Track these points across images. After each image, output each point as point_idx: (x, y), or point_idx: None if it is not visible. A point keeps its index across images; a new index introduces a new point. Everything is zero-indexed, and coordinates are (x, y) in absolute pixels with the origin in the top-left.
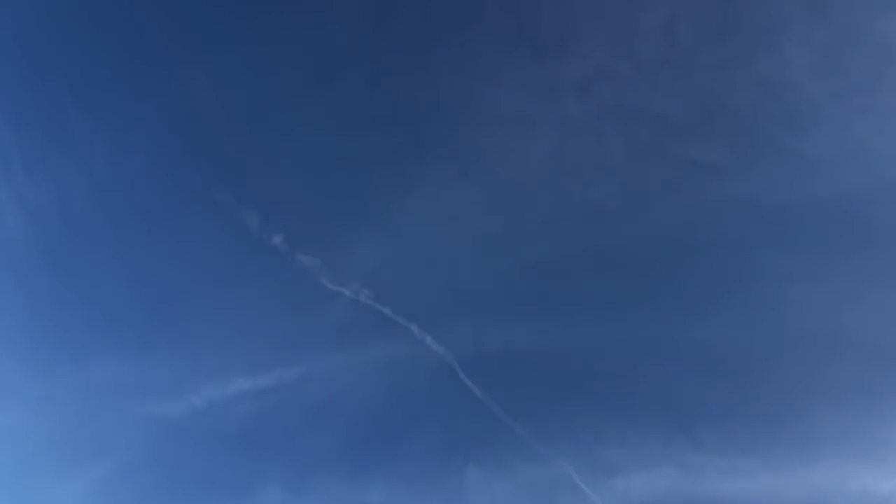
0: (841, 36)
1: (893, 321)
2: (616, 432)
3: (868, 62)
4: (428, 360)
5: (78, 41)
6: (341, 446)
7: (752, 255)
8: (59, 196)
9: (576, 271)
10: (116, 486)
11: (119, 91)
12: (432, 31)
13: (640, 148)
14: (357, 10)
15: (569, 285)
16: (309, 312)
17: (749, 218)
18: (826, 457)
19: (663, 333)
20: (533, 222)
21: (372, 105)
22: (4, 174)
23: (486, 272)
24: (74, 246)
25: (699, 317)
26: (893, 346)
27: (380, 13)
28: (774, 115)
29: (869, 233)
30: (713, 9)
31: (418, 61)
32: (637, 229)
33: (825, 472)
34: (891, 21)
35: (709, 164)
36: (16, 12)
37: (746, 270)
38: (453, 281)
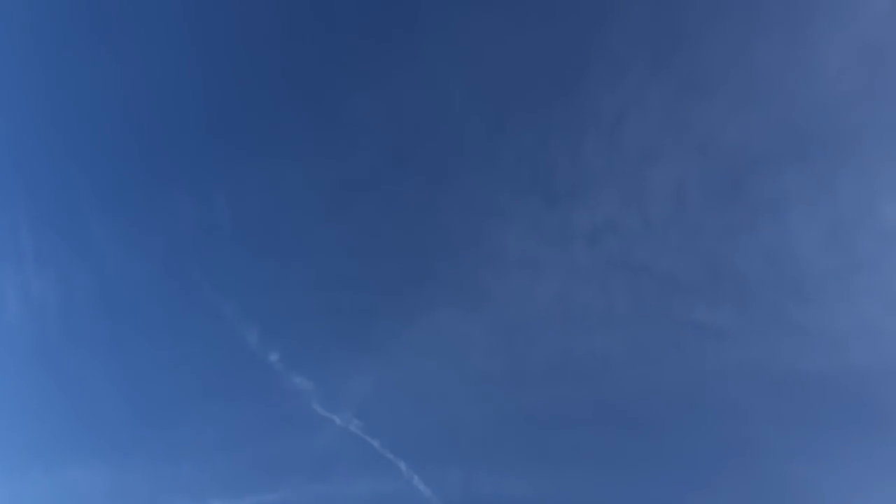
0: (847, 214)
1: None
2: None
3: (873, 242)
4: (413, 501)
5: (107, 146)
6: None
7: (753, 424)
8: (64, 290)
9: (573, 423)
10: None
11: (138, 197)
12: (450, 169)
13: (645, 304)
14: (378, 142)
15: (565, 436)
16: (296, 436)
17: (751, 386)
18: None
19: (659, 492)
20: (533, 368)
21: (383, 234)
22: (14, 261)
23: (481, 414)
24: (70, 342)
25: (695, 484)
26: None
27: (400, 147)
28: (780, 284)
29: (872, 411)
30: (723, 174)
31: (433, 196)
32: (637, 386)
33: None
34: (891, 201)
35: (713, 327)
36: (48, 106)
37: (746, 440)
38: (447, 420)
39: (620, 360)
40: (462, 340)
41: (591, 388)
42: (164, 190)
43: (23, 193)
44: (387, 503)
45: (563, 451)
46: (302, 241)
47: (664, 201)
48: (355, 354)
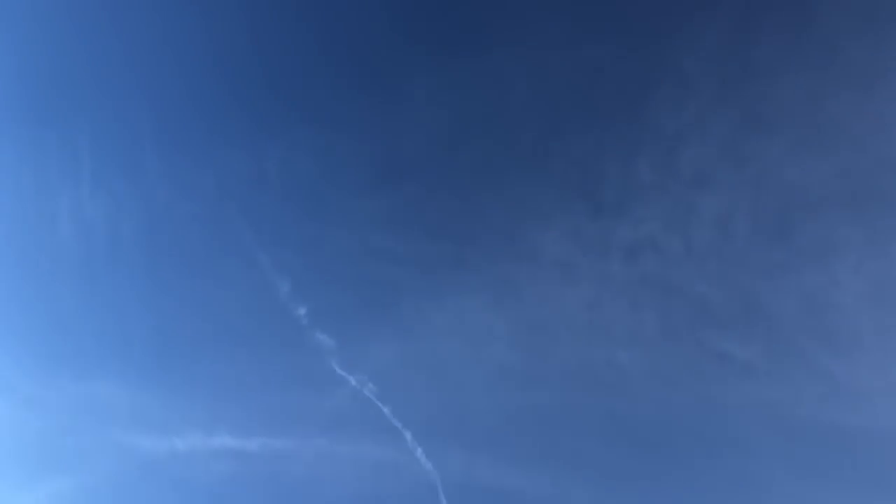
0: (894, 272)
1: None
2: None
3: None
4: (413, 471)
5: (174, 89)
6: None
7: (761, 464)
8: (113, 218)
9: (582, 429)
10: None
11: (195, 142)
12: (500, 164)
13: (674, 327)
14: (435, 126)
15: (573, 441)
16: (310, 390)
17: (767, 426)
18: None
19: None
20: (551, 369)
21: (425, 215)
22: (72, 184)
23: (493, 405)
24: (113, 266)
25: None
26: None
27: (455, 134)
28: (814, 330)
29: (888, 472)
30: (774, 212)
31: (479, 188)
32: (653, 406)
33: None
34: None
35: (739, 361)
36: (122, 42)
37: (751, 479)
38: (460, 402)
39: (640, 377)
40: (486, 330)
41: (606, 400)
42: (220, 139)
43: (88, 122)
44: (388, 468)
45: (566, 455)
46: (345, 209)
47: (709, 229)
48: (380, 324)
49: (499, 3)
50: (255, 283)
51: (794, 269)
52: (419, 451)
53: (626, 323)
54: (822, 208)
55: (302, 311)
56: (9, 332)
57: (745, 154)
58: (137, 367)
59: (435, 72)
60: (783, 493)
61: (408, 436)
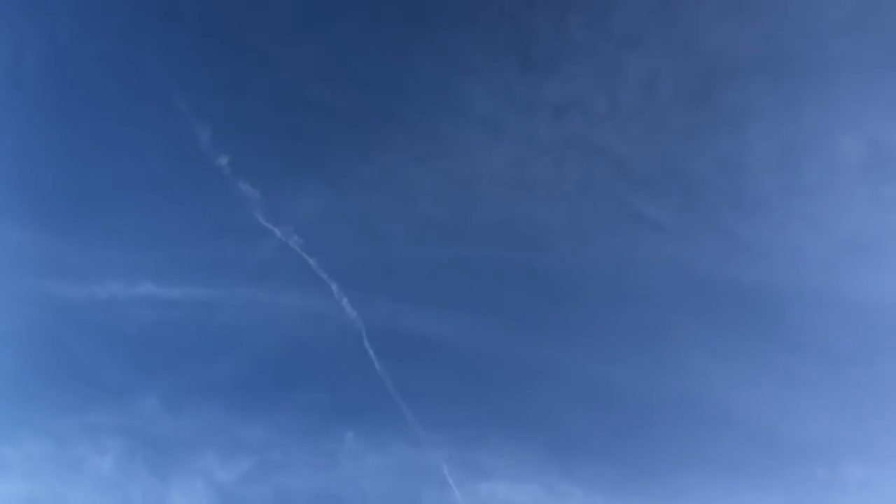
0: (805, 139)
1: (773, 412)
2: (495, 440)
3: (822, 171)
4: (339, 320)
5: None
6: (229, 379)
7: (664, 314)
8: (15, 52)
9: (503, 281)
10: None
11: None
12: (429, 17)
13: (593, 185)
14: None
15: (493, 292)
16: (234, 241)
17: (673, 279)
18: None
19: (567, 361)
20: (475, 223)
21: (354, 65)
22: None
23: (418, 255)
24: (17, 107)
25: (606, 357)
26: (773, 429)
27: None
28: (724, 192)
29: (778, 326)
30: (697, 76)
31: (409, 40)
32: (569, 260)
33: None
34: (848, 137)
35: (652, 219)
36: None
37: (654, 326)
38: (385, 254)
39: (559, 232)
40: (412, 184)
41: (526, 253)
42: None
43: None
44: (314, 318)
45: (486, 305)
46: (270, 54)
47: (635, 90)
48: (305, 176)
49: None
50: (173, 128)
51: (711, 133)
52: (345, 301)
53: (547, 180)
54: (742, 73)
55: (224, 160)
56: None
57: (674, 17)
58: (50, 216)
59: None
60: (683, 341)
61: (334, 287)
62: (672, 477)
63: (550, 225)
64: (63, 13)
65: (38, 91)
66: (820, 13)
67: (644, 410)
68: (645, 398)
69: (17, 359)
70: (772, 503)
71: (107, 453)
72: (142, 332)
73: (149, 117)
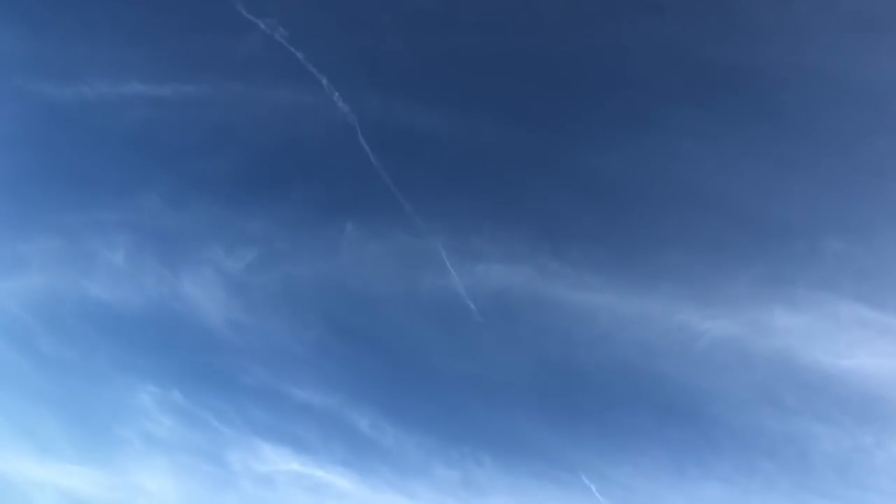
0: None
1: (759, 191)
2: (488, 225)
3: None
4: (331, 115)
5: None
6: (226, 175)
7: (663, 100)
8: None
9: (498, 71)
10: None
11: None
12: None
13: None
14: None
15: (487, 83)
16: (217, 36)
17: (671, 66)
18: (662, 291)
19: (560, 149)
20: (472, 13)
21: None
22: None
23: (411, 47)
24: None
25: (597, 144)
26: (757, 207)
27: None
28: None
29: (782, 111)
30: None
31: None
32: (565, 48)
33: (657, 303)
34: None
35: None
36: None
37: (652, 112)
38: (377, 46)
39: (553, 18)
40: None
41: (521, 41)
42: None
43: None
44: (305, 112)
45: (481, 95)
46: None
47: None
48: None
49: None
50: None
51: None
52: (336, 96)
53: None
54: None
55: None
56: None
57: None
58: (27, 11)
59: None
60: (676, 126)
61: (323, 81)
62: (658, 255)
63: (546, 11)
64: None
65: None
66: None
67: (633, 194)
68: (634, 182)
69: (15, 160)
70: (752, 275)
71: (117, 247)
72: (133, 130)
73: None
